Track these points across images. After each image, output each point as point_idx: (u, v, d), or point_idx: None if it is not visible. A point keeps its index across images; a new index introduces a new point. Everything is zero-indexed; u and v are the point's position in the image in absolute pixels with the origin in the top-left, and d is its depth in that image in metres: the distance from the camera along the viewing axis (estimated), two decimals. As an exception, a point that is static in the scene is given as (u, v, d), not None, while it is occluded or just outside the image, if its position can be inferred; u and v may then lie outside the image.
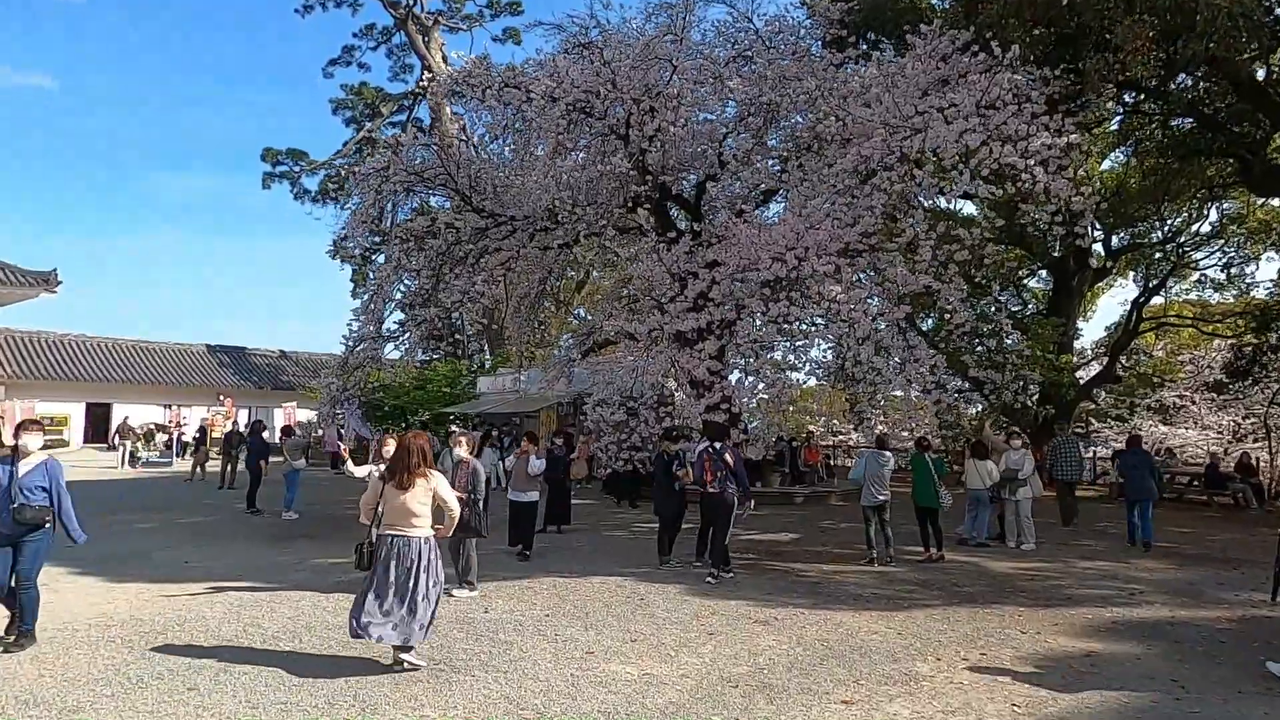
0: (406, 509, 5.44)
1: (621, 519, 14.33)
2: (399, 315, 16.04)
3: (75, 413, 35.24)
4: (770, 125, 13.85)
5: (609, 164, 13.62)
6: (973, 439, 12.81)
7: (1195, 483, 18.69)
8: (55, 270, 30.61)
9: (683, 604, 7.57)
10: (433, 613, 5.55)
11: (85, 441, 35.12)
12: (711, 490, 9.00)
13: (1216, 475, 17.80)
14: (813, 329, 12.69)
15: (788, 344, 11.49)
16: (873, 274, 11.30)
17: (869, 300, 10.42)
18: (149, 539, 11.22)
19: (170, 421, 34.37)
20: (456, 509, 5.79)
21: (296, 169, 39.55)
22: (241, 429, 18.53)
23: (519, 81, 13.66)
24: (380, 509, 5.57)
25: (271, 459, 15.47)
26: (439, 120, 35.43)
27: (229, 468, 17.74)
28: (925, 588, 8.59)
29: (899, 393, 12.71)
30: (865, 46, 15.53)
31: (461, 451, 8.13)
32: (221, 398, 37.59)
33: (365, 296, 14.77)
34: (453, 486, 7.06)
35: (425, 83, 15.19)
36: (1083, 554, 11.00)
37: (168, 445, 30.30)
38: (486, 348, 37.89)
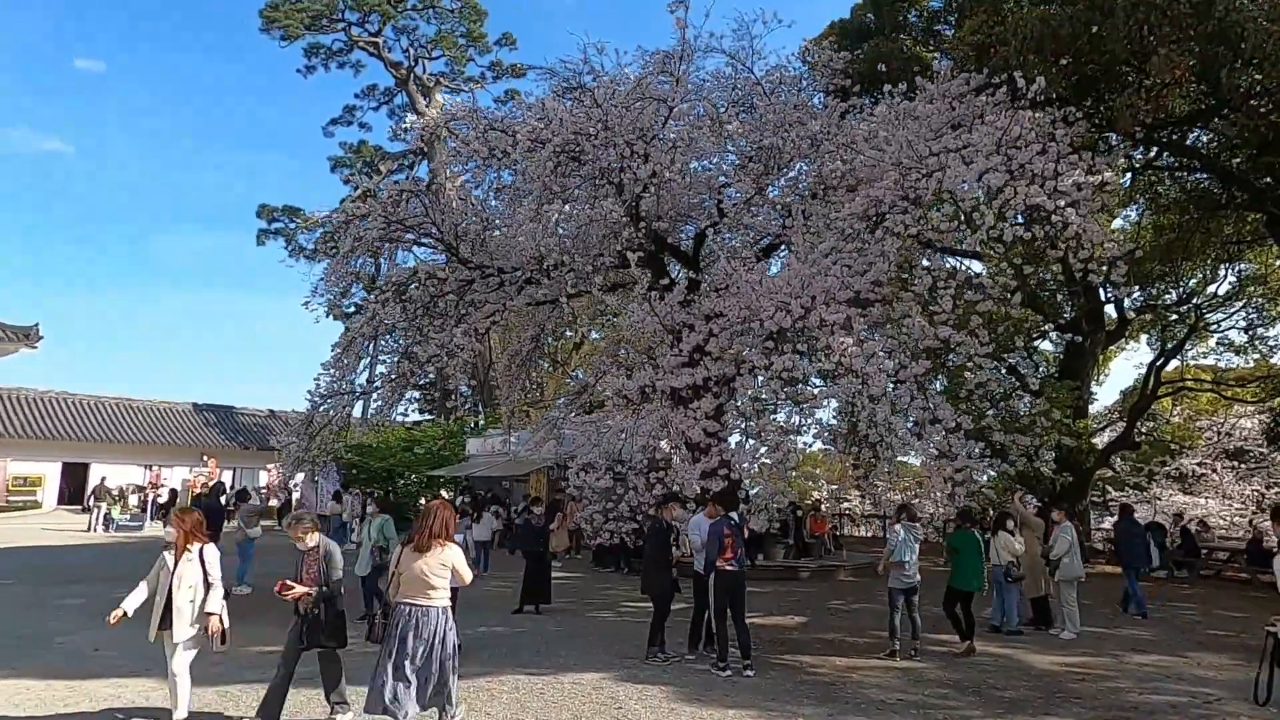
0: (423, 578, 5.31)
1: (609, 595, 12.97)
2: (379, 370, 14.95)
3: (51, 472, 33.89)
4: (772, 171, 12.99)
5: (598, 209, 12.74)
6: (992, 510, 11.58)
7: (1236, 559, 17.25)
8: (37, 325, 29.68)
9: (670, 715, 6.26)
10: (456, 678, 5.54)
11: (60, 503, 33.69)
12: (730, 568, 7.83)
13: (1260, 551, 16.38)
14: (818, 389, 11.57)
15: (791, 405, 10.34)
16: (887, 325, 10.25)
17: (883, 354, 9.29)
18: (68, 617, 9.90)
19: (149, 483, 33.03)
20: (468, 578, 5.68)
21: (292, 226, 39.09)
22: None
23: (505, 125, 12.92)
24: (394, 577, 5.44)
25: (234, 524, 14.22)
26: (437, 178, 35.11)
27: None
28: (960, 691, 7.26)
29: (911, 459, 11.57)
30: (869, 99, 14.86)
31: (311, 539, 6.00)
32: (205, 458, 36.32)
33: (336, 350, 13.71)
34: (299, 580, 5.78)
35: (410, 124, 14.45)
36: (1132, 644, 9.64)
37: (142, 508, 28.91)
38: (481, 408, 36.76)
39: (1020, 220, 9.18)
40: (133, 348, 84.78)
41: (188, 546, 5.75)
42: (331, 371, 13.67)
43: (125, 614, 5.67)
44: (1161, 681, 7.79)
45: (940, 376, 15.80)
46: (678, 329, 11.03)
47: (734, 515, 8.17)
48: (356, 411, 15.34)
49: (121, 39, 75.49)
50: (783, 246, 14.13)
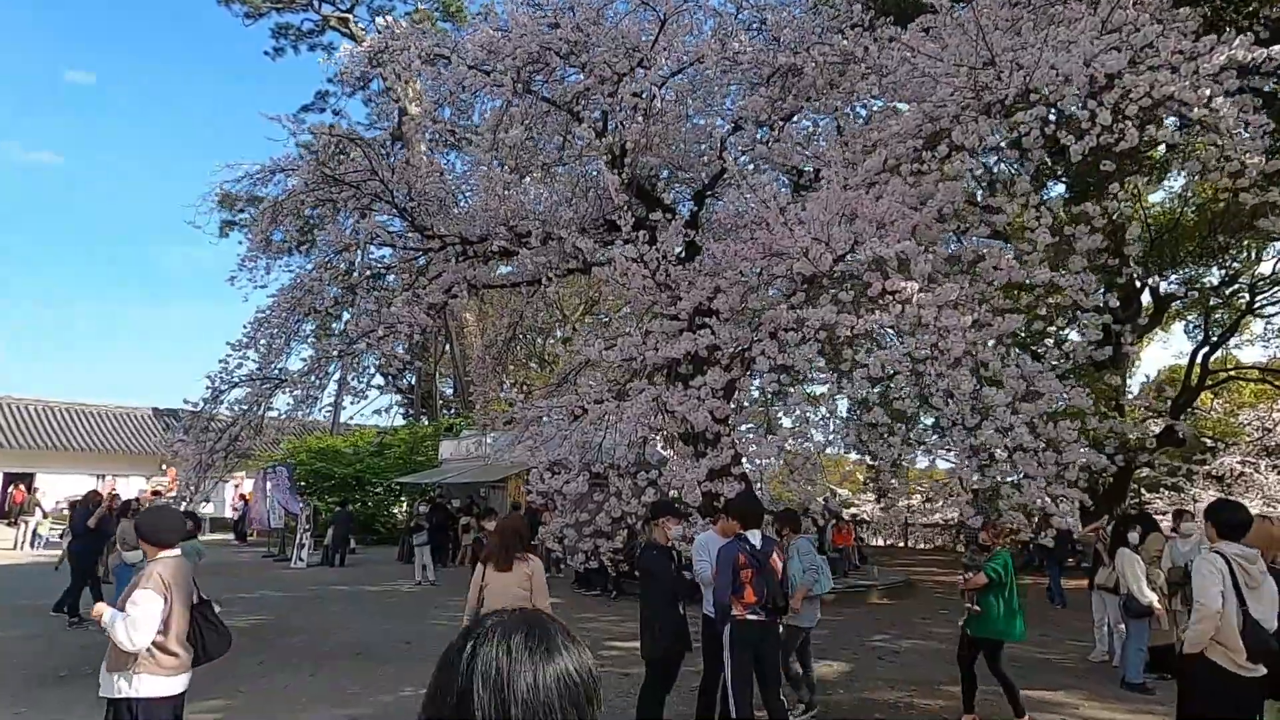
0: (510, 594, 5.18)
1: (589, 630, 10.30)
2: (308, 354, 12.26)
3: (-11, 484, 31.14)
4: (789, 95, 10.37)
5: (570, 147, 10.16)
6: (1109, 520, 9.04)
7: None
8: (-36, 322, 27.10)
9: None
10: None
11: (0, 517, 30.89)
12: (753, 617, 5.19)
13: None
14: (852, 372, 8.97)
15: (828, 378, 7.76)
16: (960, 271, 7.68)
17: (959, 304, 6.70)
18: None
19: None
20: (546, 604, 5.24)
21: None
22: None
23: (452, 46, 10.46)
24: (478, 594, 5.41)
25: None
26: (413, 162, 32.46)
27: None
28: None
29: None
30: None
31: None
32: (164, 466, 33.51)
33: (249, 326, 11.03)
34: None
35: (346, 50, 11.90)
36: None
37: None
38: (459, 408, 34.09)
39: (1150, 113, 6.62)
40: (110, 358, 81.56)
41: None
42: (246, 354, 11.03)
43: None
44: None
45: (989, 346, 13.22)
46: (674, 285, 8.41)
47: (753, 535, 5.46)
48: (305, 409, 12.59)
49: (111, 49, 72.38)
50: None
